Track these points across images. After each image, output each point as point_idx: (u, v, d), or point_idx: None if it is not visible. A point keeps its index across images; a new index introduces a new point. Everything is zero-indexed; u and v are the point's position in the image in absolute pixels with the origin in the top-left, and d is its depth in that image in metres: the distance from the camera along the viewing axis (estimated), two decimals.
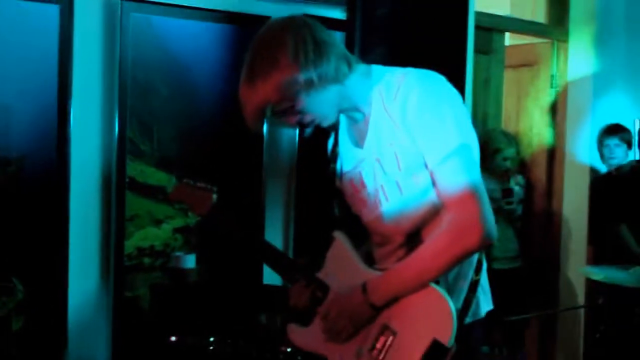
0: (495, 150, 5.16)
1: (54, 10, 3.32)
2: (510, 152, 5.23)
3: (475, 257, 2.30)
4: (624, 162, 5.42)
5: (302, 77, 2.17)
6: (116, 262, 3.53)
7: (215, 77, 3.73)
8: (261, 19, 2.37)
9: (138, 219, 3.57)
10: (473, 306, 2.29)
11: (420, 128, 2.20)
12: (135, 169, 3.55)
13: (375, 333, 2.27)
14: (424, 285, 2.20)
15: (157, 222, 3.63)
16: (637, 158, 5.57)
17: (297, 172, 3.96)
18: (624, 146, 5.43)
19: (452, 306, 2.15)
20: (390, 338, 2.23)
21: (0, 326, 3.27)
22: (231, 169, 3.76)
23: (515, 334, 5.21)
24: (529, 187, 5.69)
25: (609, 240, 5.23)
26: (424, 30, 4.06)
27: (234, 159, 3.78)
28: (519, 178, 5.44)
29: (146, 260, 3.61)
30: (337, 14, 3.98)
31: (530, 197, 5.70)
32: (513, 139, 5.37)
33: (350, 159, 2.44)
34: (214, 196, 2.64)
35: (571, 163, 5.69)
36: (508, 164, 5.23)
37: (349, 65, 2.28)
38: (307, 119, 2.29)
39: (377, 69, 2.36)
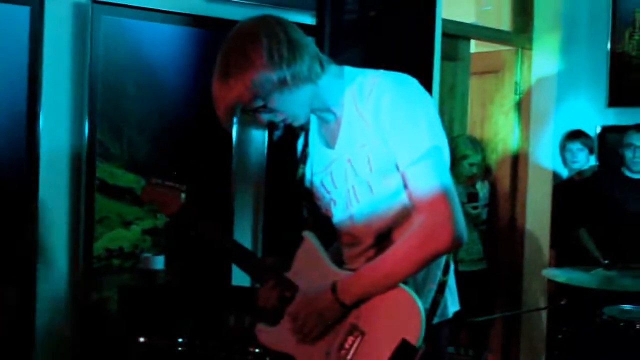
0: (462, 156, 5.17)
1: (24, 11, 3.27)
2: (476, 158, 5.25)
3: (443, 258, 2.29)
4: (586, 166, 5.46)
5: (275, 76, 2.14)
6: (85, 264, 3.48)
7: (184, 80, 3.70)
8: (231, 23, 2.36)
9: (107, 221, 3.53)
10: (441, 307, 2.27)
11: (393, 130, 2.18)
12: (105, 171, 3.50)
13: (344, 333, 2.24)
14: (393, 285, 2.17)
15: (127, 224, 3.59)
16: (597, 163, 5.60)
17: (266, 173, 3.93)
18: (586, 151, 5.47)
19: (421, 306, 2.13)
20: (359, 338, 2.21)
21: None
22: (200, 171, 3.72)
23: (480, 334, 5.22)
24: (493, 191, 5.71)
25: (570, 243, 5.25)
26: (392, 36, 4.06)
27: (203, 161, 3.75)
28: (485, 183, 5.46)
29: (115, 261, 3.56)
30: (307, 19, 3.96)
31: (494, 201, 5.72)
32: (479, 145, 5.39)
33: (321, 160, 2.42)
34: (183, 195, 2.60)
35: (535, 168, 5.72)
36: (474, 169, 5.25)
37: (322, 66, 2.26)
38: (279, 117, 2.26)
39: (349, 70, 2.34)
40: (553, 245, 5.53)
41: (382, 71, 2.28)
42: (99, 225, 3.50)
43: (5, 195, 3.27)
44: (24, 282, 3.32)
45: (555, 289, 5.04)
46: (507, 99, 5.85)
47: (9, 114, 3.27)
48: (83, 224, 3.47)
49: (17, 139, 3.28)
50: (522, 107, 5.79)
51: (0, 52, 3.24)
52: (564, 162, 5.54)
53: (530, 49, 5.75)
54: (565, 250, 5.33)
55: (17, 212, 3.30)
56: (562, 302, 4.44)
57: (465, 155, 5.19)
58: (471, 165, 5.22)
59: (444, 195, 2.14)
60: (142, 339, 3.16)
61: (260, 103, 2.21)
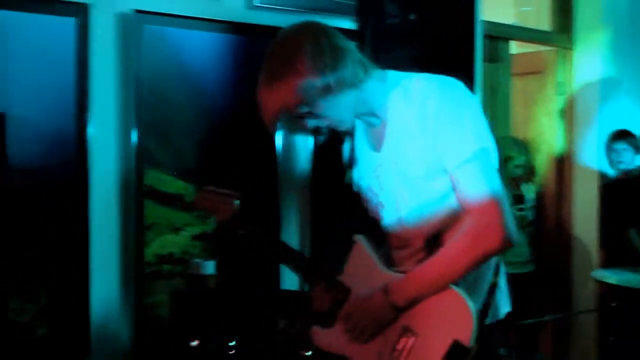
0: (507, 158, 5.14)
1: (69, 23, 3.31)
2: (521, 159, 5.22)
3: (494, 260, 2.29)
4: (632, 166, 5.40)
5: (319, 82, 2.16)
6: (136, 269, 3.52)
7: (228, 86, 3.73)
8: (272, 29, 2.37)
9: (157, 227, 3.56)
10: (492, 307, 2.28)
11: (440, 133, 2.19)
12: (153, 178, 3.53)
13: (396, 334, 2.25)
14: (444, 287, 2.18)
15: (176, 230, 3.62)
16: None
17: (312, 177, 3.94)
18: (632, 151, 5.41)
19: (473, 307, 2.14)
20: (412, 339, 2.22)
21: (24, 332, 3.26)
22: (247, 177, 3.74)
23: (530, 337, 5.18)
24: (539, 193, 5.67)
25: (619, 243, 5.19)
26: (433, 39, 4.05)
27: (249, 167, 3.76)
28: (530, 185, 5.42)
29: (166, 267, 3.59)
30: (347, 24, 3.96)
31: (540, 203, 5.68)
32: (523, 147, 5.36)
33: (368, 164, 2.43)
34: (236, 202, 2.62)
35: (580, 168, 5.67)
36: (519, 171, 5.22)
37: (366, 70, 2.27)
38: (324, 123, 2.28)
39: (392, 74, 2.35)
40: (602, 246, 5.48)
41: (426, 74, 2.30)
42: (149, 231, 3.53)
43: (57, 204, 3.31)
44: (78, 288, 3.36)
45: (606, 291, 4.99)
46: (550, 100, 5.80)
47: (58, 124, 3.30)
48: (133, 230, 3.50)
49: (67, 148, 3.31)
50: (566, 107, 5.74)
51: (47, 64, 3.28)
52: (610, 162, 5.48)
53: (572, 48, 5.71)
54: (614, 251, 5.28)
55: (69, 220, 3.33)
56: (613, 304, 4.40)
57: (510, 157, 5.16)
58: (516, 166, 5.19)
59: (493, 196, 2.14)
60: (194, 343, 3.19)
61: (305, 109, 2.23)
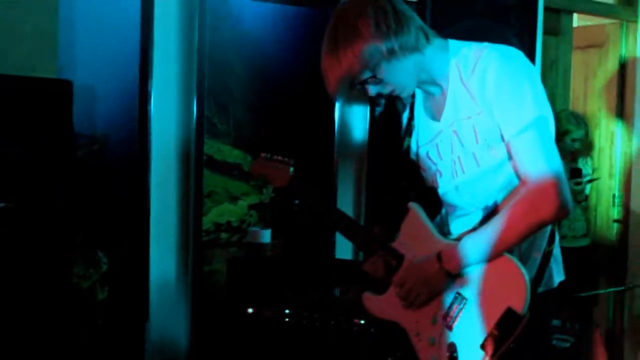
0: (564, 131, 5.09)
1: None
2: (579, 133, 5.15)
3: (549, 228, 2.29)
4: None
5: (384, 45, 2.18)
6: (195, 237, 3.58)
7: (288, 58, 3.76)
8: (334, 1, 2.41)
9: (215, 196, 3.62)
10: (546, 276, 2.28)
11: (499, 101, 2.20)
12: (213, 147, 3.59)
13: (449, 300, 2.27)
14: (498, 254, 2.19)
15: (233, 199, 3.68)
16: None
17: (368, 147, 3.97)
18: None
19: (526, 275, 2.14)
20: (464, 305, 2.24)
21: (86, 296, 3.35)
22: (305, 145, 3.77)
23: (584, 310, 5.15)
24: (597, 167, 5.62)
25: None
26: (494, 11, 4.03)
27: (307, 135, 3.80)
28: (587, 159, 5.37)
29: (223, 235, 3.66)
30: None
31: (599, 178, 5.62)
32: (582, 121, 5.29)
33: (427, 132, 2.44)
34: (292, 169, 2.66)
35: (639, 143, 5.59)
36: (577, 145, 5.16)
37: (427, 38, 2.29)
38: (387, 89, 2.30)
39: (453, 43, 2.36)
40: None
41: (486, 43, 2.30)
42: (208, 200, 3.60)
43: (119, 170, 3.39)
44: (138, 254, 3.44)
45: None
46: (611, 74, 5.72)
47: (122, 93, 3.39)
48: (193, 198, 3.56)
49: (130, 116, 3.39)
50: (627, 81, 5.66)
51: (114, 33, 3.35)
52: None
53: (636, 21, 5.61)
54: None
55: (131, 187, 3.41)
56: None
57: (568, 131, 5.11)
58: (573, 140, 5.13)
59: (550, 164, 2.15)
60: (250, 310, 3.24)
61: (368, 74, 2.25)
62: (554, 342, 3.84)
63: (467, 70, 2.26)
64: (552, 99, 5.25)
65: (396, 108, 2.59)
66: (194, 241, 3.59)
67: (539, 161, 2.15)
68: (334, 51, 2.23)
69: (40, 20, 2.98)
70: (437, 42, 2.33)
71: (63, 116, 2.86)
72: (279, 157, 2.69)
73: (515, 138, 2.18)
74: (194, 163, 3.56)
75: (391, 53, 2.20)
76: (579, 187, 5.04)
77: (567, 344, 3.96)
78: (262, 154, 2.73)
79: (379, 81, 2.27)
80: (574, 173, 5.00)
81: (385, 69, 2.23)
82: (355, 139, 3.99)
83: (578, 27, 5.81)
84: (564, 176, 2.16)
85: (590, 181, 5.26)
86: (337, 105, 3.84)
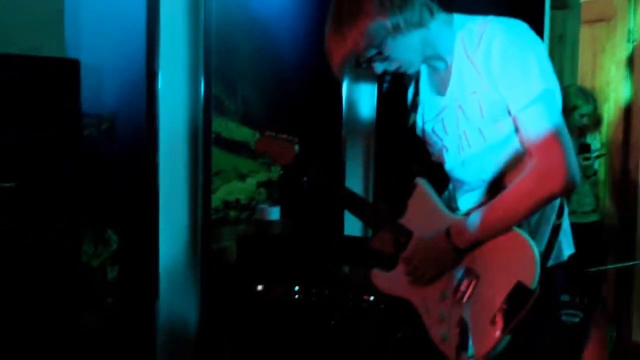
0: (572, 107, 5.05)
1: None
2: (587, 109, 5.12)
3: (557, 201, 2.28)
4: None
5: (388, 21, 2.17)
6: (203, 215, 3.58)
7: (296, 35, 3.74)
8: None
9: (224, 173, 3.61)
10: (555, 249, 2.27)
11: (504, 75, 2.17)
12: (221, 125, 3.58)
13: (459, 276, 2.26)
14: (507, 229, 2.18)
15: (242, 177, 3.67)
16: None
17: (376, 124, 3.96)
18: None
19: (536, 249, 2.13)
20: (474, 281, 2.23)
21: (96, 275, 3.35)
22: (312, 123, 3.76)
23: (593, 286, 5.14)
24: (606, 142, 5.59)
25: None
26: None
27: (315, 114, 3.79)
28: (596, 134, 5.34)
29: (232, 213, 3.65)
30: None
31: (607, 153, 5.59)
32: (590, 96, 5.25)
33: (433, 107, 2.43)
34: (296, 147, 2.65)
35: None
36: (585, 120, 5.12)
37: (431, 13, 2.27)
38: (393, 65, 2.28)
39: (458, 17, 2.34)
40: None
41: (491, 17, 2.27)
42: (216, 177, 3.59)
43: (128, 149, 3.39)
44: (148, 232, 3.43)
45: None
46: (620, 48, 5.67)
47: (130, 72, 3.37)
48: (201, 176, 3.55)
49: (138, 95, 3.37)
50: (635, 55, 5.61)
51: (120, 11, 3.33)
52: None
53: None
54: None
55: (140, 165, 3.40)
56: None
57: (576, 106, 5.07)
58: (582, 116, 5.10)
59: (557, 137, 2.13)
60: (259, 287, 3.24)
61: (374, 51, 2.23)
62: (563, 317, 3.83)
63: (472, 44, 2.24)
64: (560, 73, 5.22)
65: (403, 84, 2.57)
66: (203, 219, 3.58)
67: (547, 134, 2.12)
68: (338, 29, 2.21)
69: (47, 1, 2.97)
70: (442, 16, 2.31)
71: (70, 95, 2.86)
72: (284, 136, 2.69)
73: (522, 112, 2.15)
74: (202, 141, 3.55)
75: (396, 29, 2.18)
76: (587, 162, 5.02)
77: (576, 319, 3.95)
78: (267, 132, 2.73)
79: (385, 58, 2.25)
80: (583, 148, 4.98)
81: (390, 46, 2.21)
82: (363, 116, 3.97)
83: (586, 1, 5.76)
84: (571, 148, 2.14)
85: (598, 156, 5.24)
86: (345, 83, 3.82)
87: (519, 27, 2.23)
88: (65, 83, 2.83)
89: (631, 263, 5.44)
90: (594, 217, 5.21)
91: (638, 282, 5.59)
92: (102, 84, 3.32)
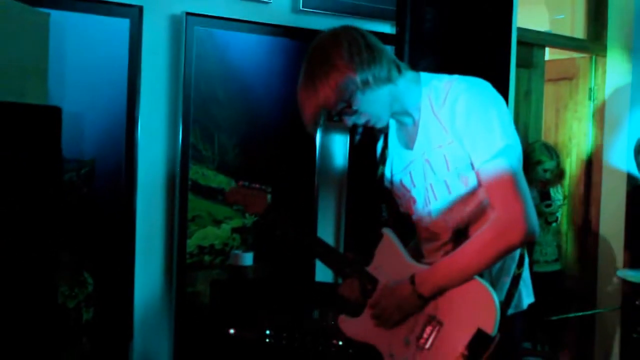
0: (536, 161, 5.13)
1: (124, 23, 3.39)
2: (551, 164, 5.19)
3: (518, 252, 2.31)
4: None
5: (358, 77, 2.21)
6: (179, 259, 3.58)
7: (271, 87, 3.78)
8: (314, 33, 2.44)
9: (199, 219, 3.62)
10: (515, 298, 2.30)
11: (468, 130, 2.22)
12: (197, 173, 3.60)
13: (422, 322, 2.28)
14: (469, 278, 2.20)
15: (217, 222, 3.68)
16: None
17: (348, 175, 3.99)
18: None
19: (496, 298, 2.16)
20: (437, 327, 2.25)
21: (72, 316, 3.33)
22: (286, 173, 3.79)
23: (556, 333, 5.17)
24: (568, 194, 5.66)
25: None
26: (469, 44, 4.06)
27: (289, 164, 3.82)
28: (558, 187, 5.41)
29: (206, 257, 3.65)
30: (387, 28, 4.01)
31: (569, 205, 5.67)
32: (554, 151, 5.33)
33: (401, 160, 2.47)
34: (269, 196, 2.68)
35: (609, 172, 5.64)
36: (548, 175, 5.20)
37: (399, 70, 2.32)
38: (362, 119, 2.32)
39: (425, 75, 2.39)
40: (627, 247, 5.45)
41: (456, 76, 2.33)
42: (192, 223, 3.60)
43: (107, 194, 3.39)
44: (123, 275, 3.43)
45: (630, 290, 4.97)
46: (581, 105, 5.78)
47: (110, 119, 3.38)
48: (177, 221, 3.56)
49: (118, 141, 3.39)
50: (597, 112, 5.71)
51: (103, 62, 3.35)
52: (638, 166, 5.45)
53: (605, 55, 5.67)
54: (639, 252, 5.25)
55: (117, 210, 3.41)
56: (637, 302, 4.39)
57: (540, 161, 5.15)
58: (545, 170, 5.18)
59: (517, 191, 2.17)
60: (232, 331, 3.23)
61: (344, 105, 2.27)
62: None
63: (438, 101, 2.29)
64: (525, 128, 5.31)
65: (374, 136, 2.61)
66: (178, 263, 3.58)
67: (506, 189, 2.17)
68: (309, 84, 2.26)
69: (31, 49, 2.98)
70: (409, 74, 2.36)
71: (52, 141, 2.85)
72: (257, 185, 2.72)
73: (484, 166, 2.20)
74: (179, 187, 3.56)
75: (365, 84, 2.22)
76: (549, 209, 5.09)
77: None
78: (240, 182, 2.76)
79: (354, 111, 2.29)
80: (543, 196, 5.05)
81: (360, 100, 2.26)
82: (336, 166, 4.00)
83: (550, 60, 5.88)
84: (531, 203, 2.19)
85: (561, 206, 5.31)
86: (318, 133, 3.86)
87: (482, 86, 2.29)
88: (47, 129, 2.83)
89: (592, 312, 5.48)
90: (556, 267, 5.27)
91: (599, 330, 5.62)
92: (83, 130, 3.33)
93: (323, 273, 3.84)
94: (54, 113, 2.86)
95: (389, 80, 2.27)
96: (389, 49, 3.44)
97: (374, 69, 2.23)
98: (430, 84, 2.34)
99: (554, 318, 4.48)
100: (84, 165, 3.34)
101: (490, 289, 2.17)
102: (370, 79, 2.22)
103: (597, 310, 5.52)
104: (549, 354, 4.14)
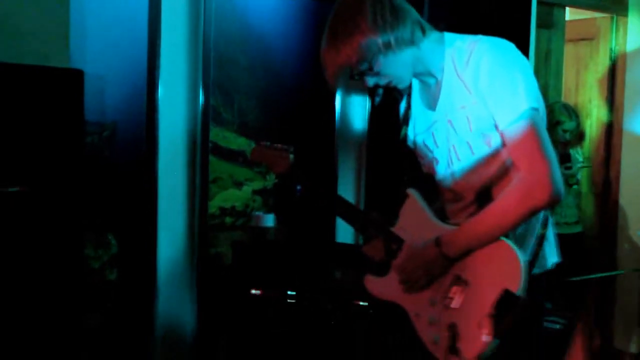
0: (556, 122, 5.10)
1: None
2: (570, 124, 5.17)
3: (542, 212, 2.30)
4: None
5: (380, 39, 2.20)
6: (200, 221, 3.60)
7: (291, 48, 3.77)
8: None
9: (220, 181, 3.64)
10: (540, 258, 2.30)
11: (492, 92, 2.21)
12: (218, 135, 3.61)
13: (448, 282, 2.29)
14: (495, 239, 2.21)
15: (238, 184, 3.69)
16: None
17: (368, 135, 3.99)
18: None
19: (522, 258, 2.16)
20: (463, 287, 2.26)
21: (96, 277, 3.37)
22: (306, 134, 3.79)
23: (576, 295, 5.18)
24: (588, 157, 5.64)
25: None
26: (489, 5, 4.03)
27: (309, 125, 3.81)
28: (578, 149, 5.39)
29: (228, 219, 3.67)
30: None
31: (589, 167, 5.65)
32: (574, 112, 5.30)
33: (423, 121, 2.46)
34: (291, 156, 2.68)
35: (628, 134, 5.60)
36: (567, 136, 5.17)
37: (423, 31, 2.30)
38: (384, 80, 2.32)
39: (449, 36, 2.38)
40: None
41: (480, 36, 2.31)
42: (213, 185, 3.61)
43: (128, 156, 3.41)
44: (147, 237, 3.46)
45: None
46: (602, 66, 5.73)
47: (131, 82, 3.40)
48: (199, 184, 3.58)
49: (139, 104, 3.40)
50: (617, 73, 5.67)
51: (123, 25, 3.36)
52: None
53: (626, 15, 5.61)
54: None
55: (139, 172, 3.42)
56: None
57: (560, 122, 5.12)
58: (564, 131, 5.15)
59: (542, 152, 2.16)
60: (254, 291, 3.26)
61: (365, 66, 2.27)
62: (546, 324, 3.87)
63: (462, 62, 2.28)
64: (545, 90, 5.27)
65: (395, 97, 2.60)
66: (200, 225, 3.60)
67: (532, 150, 2.16)
68: (333, 43, 2.25)
69: (53, 13, 2.99)
70: (433, 35, 2.35)
71: (74, 104, 2.87)
72: (279, 145, 2.72)
73: (508, 128, 2.19)
74: (199, 150, 3.57)
75: (387, 46, 2.22)
76: (569, 172, 5.08)
77: (558, 326, 3.99)
78: (262, 142, 2.76)
79: (375, 73, 2.29)
80: (564, 158, 5.04)
81: (382, 62, 2.25)
82: (355, 127, 4.00)
83: (570, 21, 5.81)
84: (556, 164, 2.18)
85: (581, 168, 5.29)
86: (338, 95, 3.86)
87: (506, 47, 2.27)
88: (70, 92, 2.84)
89: (612, 273, 5.48)
90: (577, 229, 5.26)
91: (619, 291, 5.63)
92: (104, 93, 3.34)
93: (344, 234, 3.86)
94: (77, 76, 2.87)
95: (412, 42, 2.26)
96: None
97: (397, 32, 2.22)
98: (453, 45, 2.33)
99: (574, 279, 4.49)
100: (105, 128, 3.36)
101: (516, 249, 2.17)
102: (393, 41, 2.22)
103: (617, 272, 5.52)
104: (569, 316, 4.15)
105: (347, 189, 3.98)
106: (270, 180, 3.74)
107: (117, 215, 3.42)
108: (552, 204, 2.21)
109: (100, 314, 3.41)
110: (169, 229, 3.55)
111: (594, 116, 5.78)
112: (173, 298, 3.60)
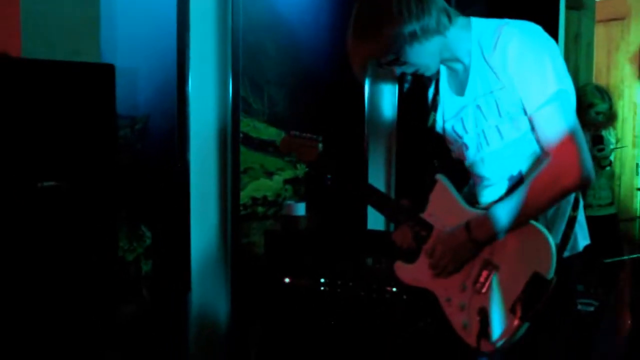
0: (589, 104, 5.07)
1: None
2: (603, 106, 5.13)
3: (572, 195, 2.31)
4: None
5: (406, 30, 2.21)
6: (233, 211, 3.63)
7: (319, 37, 3.77)
8: None
9: (252, 171, 3.66)
10: (571, 241, 2.29)
11: (520, 76, 2.21)
12: (248, 125, 3.63)
13: (478, 267, 2.30)
14: (524, 222, 2.22)
15: (269, 174, 3.72)
16: None
17: (397, 122, 3.99)
18: None
19: (552, 241, 2.17)
20: (493, 272, 2.27)
21: (131, 268, 3.42)
22: (336, 123, 3.81)
23: (609, 276, 5.15)
24: (620, 138, 5.60)
25: None
26: None
27: (338, 114, 3.83)
28: (611, 130, 5.35)
29: (260, 209, 3.70)
30: None
31: (625, 146, 5.61)
32: (606, 94, 5.26)
33: (452, 107, 2.47)
34: (320, 145, 2.70)
35: None
36: (600, 118, 5.14)
37: (449, 18, 2.30)
38: (411, 69, 2.33)
39: (475, 21, 2.37)
40: None
41: (507, 20, 2.31)
42: (244, 175, 3.64)
43: (160, 148, 3.44)
44: (180, 228, 3.49)
45: None
46: (634, 46, 5.68)
47: (162, 75, 3.43)
48: (230, 174, 3.61)
49: (170, 97, 3.43)
50: None
51: (152, 20, 3.39)
52: None
53: None
54: None
55: (171, 164, 3.46)
56: None
57: (592, 104, 5.09)
58: (597, 113, 5.12)
59: (571, 136, 2.16)
60: (287, 280, 3.29)
61: (392, 57, 2.28)
62: (579, 306, 3.86)
63: (489, 47, 2.27)
64: (575, 72, 5.24)
65: (423, 84, 2.61)
66: (232, 215, 3.63)
67: (561, 133, 2.16)
68: (359, 34, 2.26)
69: (84, 9, 3.03)
70: (460, 20, 2.34)
71: (106, 98, 2.92)
72: (308, 135, 2.74)
73: (537, 112, 2.19)
74: (230, 140, 3.60)
75: (413, 36, 2.22)
76: (601, 154, 5.04)
77: (591, 308, 3.98)
78: (292, 132, 2.78)
79: (402, 63, 2.29)
80: (596, 140, 5.00)
81: (408, 52, 2.26)
82: (385, 115, 4.01)
83: (600, 1, 5.77)
84: (586, 148, 2.17)
85: (615, 149, 5.26)
86: (367, 83, 3.87)
87: (534, 30, 2.26)
88: (101, 87, 2.89)
89: None
90: (610, 210, 5.23)
91: None
92: (135, 86, 3.38)
93: (374, 221, 3.88)
94: (108, 70, 2.92)
95: (438, 31, 2.26)
96: None
97: (423, 21, 2.22)
98: (480, 30, 2.33)
99: (608, 261, 4.47)
100: (137, 121, 3.40)
101: (546, 232, 2.18)
102: (419, 31, 2.22)
103: None
104: (602, 297, 4.14)
105: (377, 177, 4.00)
106: (301, 169, 3.76)
107: (150, 207, 3.45)
108: (582, 187, 2.21)
109: (136, 305, 3.46)
110: (201, 219, 3.58)
111: (626, 96, 5.74)
112: (207, 288, 3.64)
